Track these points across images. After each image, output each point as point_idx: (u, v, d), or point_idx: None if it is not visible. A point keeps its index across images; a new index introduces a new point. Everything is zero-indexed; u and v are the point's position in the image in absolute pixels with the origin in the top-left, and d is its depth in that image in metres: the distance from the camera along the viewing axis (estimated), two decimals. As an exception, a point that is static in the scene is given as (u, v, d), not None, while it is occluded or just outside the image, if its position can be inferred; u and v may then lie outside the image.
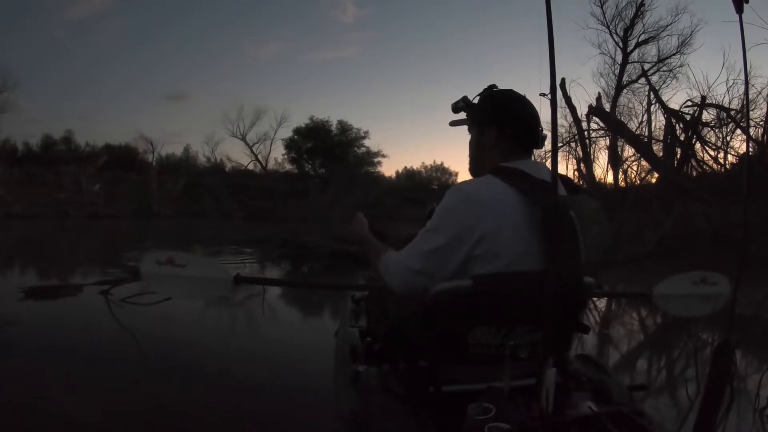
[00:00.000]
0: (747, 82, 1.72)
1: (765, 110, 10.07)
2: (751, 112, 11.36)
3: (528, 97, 1.60)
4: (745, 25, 1.47)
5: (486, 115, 1.61)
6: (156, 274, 1.87)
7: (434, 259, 1.48)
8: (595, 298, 5.15)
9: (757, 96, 11.96)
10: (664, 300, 2.09)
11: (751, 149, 10.60)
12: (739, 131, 11.74)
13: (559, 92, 1.38)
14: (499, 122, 1.57)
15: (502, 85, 1.65)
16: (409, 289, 1.56)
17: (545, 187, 1.39)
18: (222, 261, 8.86)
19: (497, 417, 1.26)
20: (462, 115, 1.71)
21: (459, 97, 1.67)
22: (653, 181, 12.92)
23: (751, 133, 11.15)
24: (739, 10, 1.25)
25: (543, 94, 1.25)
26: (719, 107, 12.22)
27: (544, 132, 1.58)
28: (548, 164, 1.51)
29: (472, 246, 1.44)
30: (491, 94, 1.64)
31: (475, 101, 1.67)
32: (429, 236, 1.49)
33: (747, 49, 1.61)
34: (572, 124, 15.25)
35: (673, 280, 2.11)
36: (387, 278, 1.60)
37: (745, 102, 10.95)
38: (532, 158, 1.62)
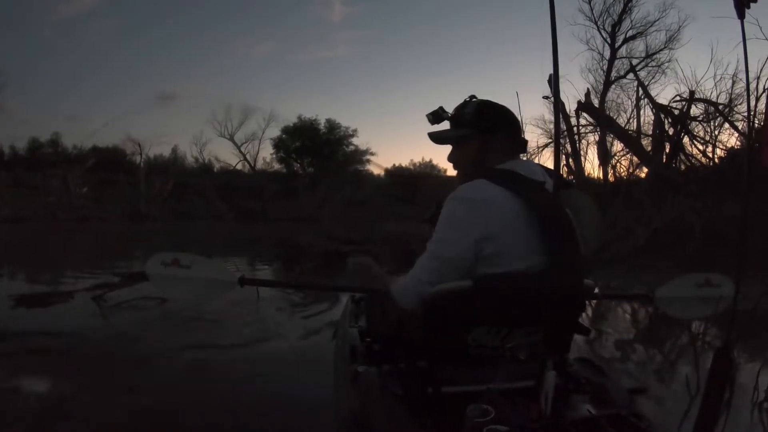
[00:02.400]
0: (748, 84, 1.71)
1: (754, 105, 10.15)
2: (740, 106, 11.45)
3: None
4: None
5: (491, 123, 1.65)
6: (161, 275, 1.87)
7: (445, 270, 1.51)
8: (594, 300, 5.15)
9: (744, 90, 12.04)
10: (666, 302, 2.07)
11: (740, 143, 10.69)
12: (727, 125, 11.84)
13: (551, 88, 1.39)
14: (505, 128, 1.65)
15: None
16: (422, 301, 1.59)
17: (534, 186, 1.49)
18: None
19: (496, 419, 1.27)
20: (441, 126, 1.76)
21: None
22: (642, 175, 13.00)
23: (740, 127, 11.24)
24: (741, 15, 1.25)
25: (546, 97, 1.28)
26: (707, 102, 12.32)
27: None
28: (547, 162, 1.55)
29: (479, 249, 1.48)
30: (485, 103, 1.70)
31: (451, 111, 1.73)
32: (438, 249, 1.53)
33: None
34: (561, 120, 15.30)
35: (675, 281, 2.09)
36: (402, 300, 1.62)
37: (747, 102, 11.03)
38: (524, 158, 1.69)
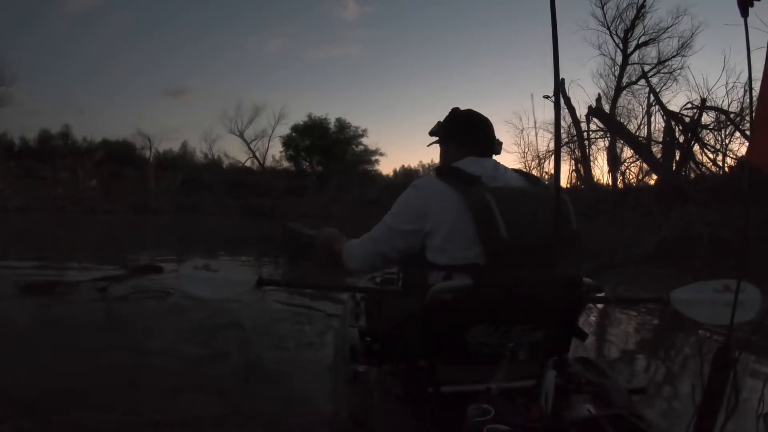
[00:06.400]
0: (750, 88, 1.70)
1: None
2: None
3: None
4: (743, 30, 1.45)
5: (447, 133, 1.96)
6: (190, 275, 2.00)
7: (391, 237, 1.76)
8: (606, 303, 5.09)
9: (757, 99, 11.91)
10: (682, 305, 2.00)
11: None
12: (738, 134, 11.77)
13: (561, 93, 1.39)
14: (457, 136, 1.92)
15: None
16: (368, 266, 1.91)
17: (469, 179, 1.66)
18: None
19: (496, 418, 1.26)
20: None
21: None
22: (651, 183, 12.94)
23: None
24: (744, 14, 1.24)
25: (546, 96, 1.28)
26: (719, 110, 12.24)
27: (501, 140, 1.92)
28: (549, 165, 1.54)
29: (423, 228, 1.67)
30: (452, 115, 1.98)
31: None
32: (389, 220, 1.78)
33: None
34: (571, 124, 15.25)
35: (692, 286, 2.03)
36: (350, 260, 1.91)
37: (748, 104, 10.98)
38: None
